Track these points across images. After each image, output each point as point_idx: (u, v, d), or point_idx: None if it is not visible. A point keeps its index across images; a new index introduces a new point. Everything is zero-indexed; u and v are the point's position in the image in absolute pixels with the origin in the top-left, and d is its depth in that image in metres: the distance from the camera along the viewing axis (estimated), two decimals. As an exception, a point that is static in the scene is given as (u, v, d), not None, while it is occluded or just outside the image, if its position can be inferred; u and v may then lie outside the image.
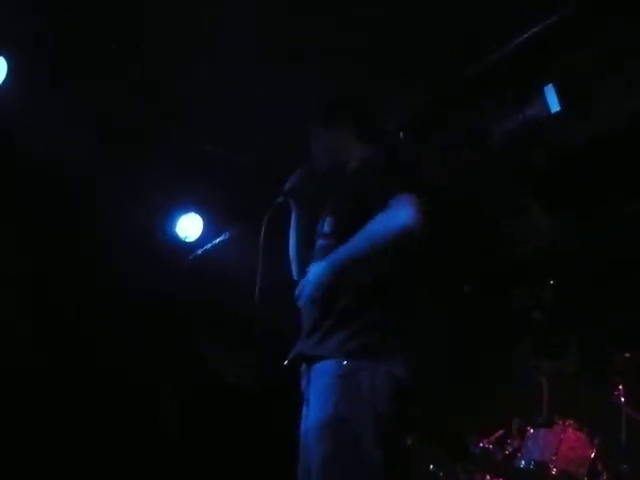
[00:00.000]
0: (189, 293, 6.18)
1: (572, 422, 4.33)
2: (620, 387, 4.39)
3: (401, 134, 4.76)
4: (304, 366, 2.89)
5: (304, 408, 2.88)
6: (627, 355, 4.44)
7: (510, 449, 4.44)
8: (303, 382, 2.89)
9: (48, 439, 5.61)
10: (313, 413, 2.71)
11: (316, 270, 2.74)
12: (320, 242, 2.98)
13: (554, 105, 4.37)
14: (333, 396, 2.64)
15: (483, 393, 5.37)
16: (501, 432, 4.56)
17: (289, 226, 3.24)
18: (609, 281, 5.04)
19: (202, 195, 5.85)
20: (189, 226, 5.94)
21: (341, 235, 2.83)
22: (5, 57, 4.51)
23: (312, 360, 2.80)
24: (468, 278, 5.54)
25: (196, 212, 5.94)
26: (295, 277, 3.20)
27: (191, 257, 6.22)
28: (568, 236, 5.15)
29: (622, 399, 4.36)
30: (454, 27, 4.18)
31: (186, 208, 5.94)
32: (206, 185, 5.72)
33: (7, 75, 4.52)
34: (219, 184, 5.65)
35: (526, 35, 4.12)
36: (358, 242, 2.69)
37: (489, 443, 4.50)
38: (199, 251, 6.18)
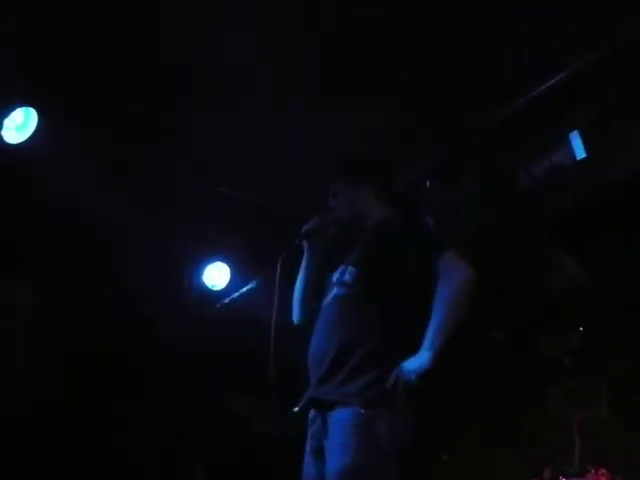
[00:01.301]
0: (216, 341, 6.18)
1: (605, 471, 4.26)
2: (654, 435, 4.34)
3: (427, 182, 4.80)
4: (313, 413, 2.90)
5: (308, 455, 2.88)
6: (659, 401, 4.40)
7: (543, 499, 4.38)
8: (312, 429, 2.89)
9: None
10: (332, 462, 2.69)
11: (421, 361, 2.67)
12: (338, 290, 3.01)
13: (580, 151, 4.39)
14: (352, 445, 2.64)
15: (514, 441, 5.30)
16: (533, 481, 4.50)
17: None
18: (638, 325, 5.00)
19: (229, 244, 5.89)
20: (216, 275, 5.97)
21: (362, 286, 2.92)
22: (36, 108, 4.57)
23: (328, 406, 2.80)
24: (498, 325, 5.51)
25: (223, 261, 5.99)
26: (295, 319, 3.25)
27: (218, 305, 6.23)
28: (596, 280, 5.12)
29: (656, 446, 4.31)
30: (480, 73, 4.23)
31: (213, 257, 5.97)
32: (233, 233, 5.77)
33: (38, 126, 4.57)
34: (246, 232, 5.70)
35: (552, 81, 4.15)
36: (444, 321, 2.71)
37: (522, 493, 4.44)
38: (226, 300, 6.20)
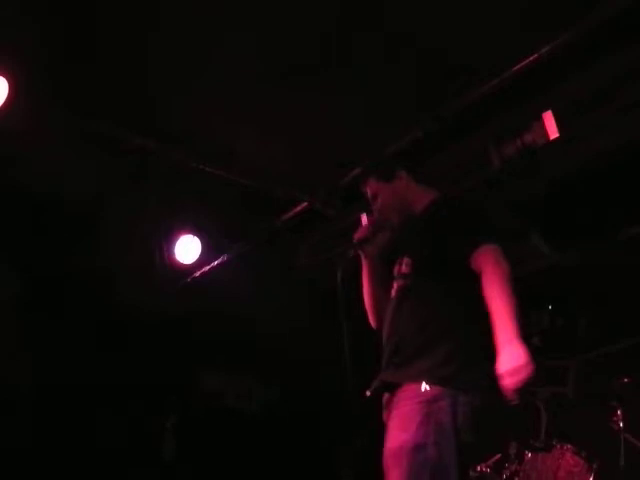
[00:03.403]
0: (187, 315, 6.17)
1: (570, 447, 4.32)
2: (619, 412, 4.39)
3: None
4: (387, 396, 2.95)
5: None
6: (625, 380, 4.45)
7: (507, 473, 4.42)
8: (385, 413, 2.93)
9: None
10: (392, 437, 2.74)
11: (518, 354, 2.57)
12: (398, 283, 3.08)
13: (552, 132, 4.41)
14: (414, 421, 2.69)
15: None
16: (498, 456, 4.55)
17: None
18: (607, 305, 5.05)
19: (200, 218, 5.86)
20: (187, 249, 5.94)
21: (419, 274, 2.98)
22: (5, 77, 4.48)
23: (394, 387, 2.86)
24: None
25: (194, 235, 5.96)
26: (373, 325, 3.33)
27: (189, 280, 6.21)
28: (566, 260, 5.17)
29: (621, 424, 4.35)
30: (453, 54, 4.22)
31: (184, 231, 5.94)
32: (204, 208, 5.74)
33: (8, 95, 4.48)
34: (217, 207, 5.68)
35: (525, 62, 4.16)
36: (508, 310, 2.66)
37: (486, 467, 4.49)
38: (197, 273, 6.18)
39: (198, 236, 5.93)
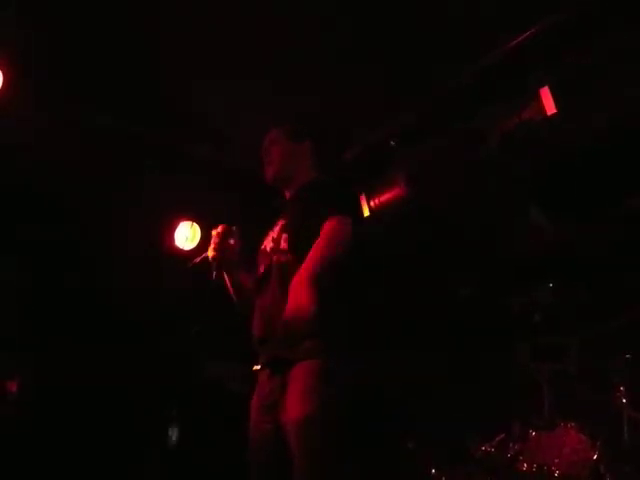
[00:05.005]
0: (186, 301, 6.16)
1: (574, 424, 4.31)
2: (622, 389, 4.37)
3: (392, 142, 4.81)
4: (267, 372, 2.96)
5: (260, 412, 2.94)
6: (628, 356, 4.43)
7: (512, 452, 4.42)
8: (268, 387, 2.93)
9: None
10: (293, 411, 2.75)
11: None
12: (277, 257, 3.05)
13: (550, 107, 4.38)
14: (315, 396, 2.73)
15: (483, 396, 5.34)
16: (502, 435, 4.54)
17: None
18: (609, 282, 5.03)
19: (201, 204, 5.85)
20: (188, 234, 5.93)
21: (297, 251, 2.94)
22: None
23: (288, 363, 2.85)
24: (467, 280, 5.53)
25: (195, 221, 5.94)
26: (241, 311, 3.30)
27: (190, 265, 6.18)
28: (567, 237, 5.14)
29: (624, 400, 4.34)
30: (450, 30, 4.19)
31: (185, 217, 5.93)
32: (205, 193, 5.73)
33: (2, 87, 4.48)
34: (219, 192, 5.67)
35: (522, 37, 4.13)
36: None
37: (491, 446, 4.49)
38: (198, 259, 6.15)
39: (198, 222, 5.93)
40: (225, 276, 3.30)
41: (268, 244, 3.15)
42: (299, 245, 2.93)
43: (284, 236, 3.06)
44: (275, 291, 2.97)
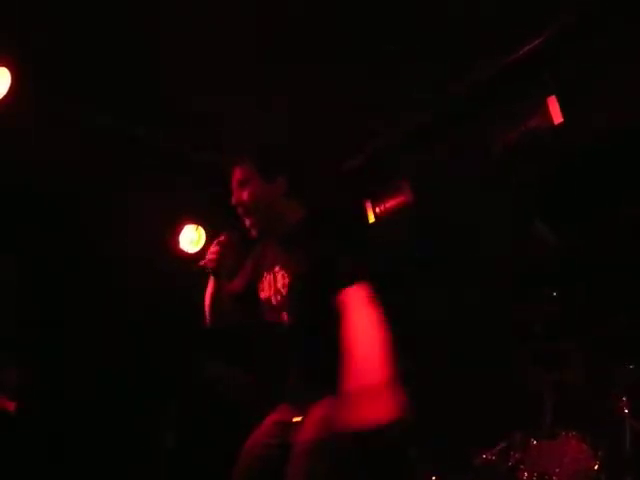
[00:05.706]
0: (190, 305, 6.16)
1: (575, 434, 4.30)
2: (624, 399, 4.36)
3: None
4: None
5: (274, 426, 2.96)
6: (631, 367, 4.42)
7: (513, 461, 4.40)
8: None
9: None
10: (308, 433, 2.74)
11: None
12: (280, 303, 3.01)
13: (557, 117, 4.38)
14: (332, 425, 2.65)
15: (483, 405, 5.33)
16: (503, 444, 4.54)
17: None
18: (611, 291, 5.01)
19: (205, 206, 5.85)
20: (193, 238, 5.92)
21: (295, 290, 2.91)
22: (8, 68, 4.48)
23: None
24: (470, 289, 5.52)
25: (199, 224, 5.94)
26: (210, 321, 3.31)
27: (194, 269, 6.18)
28: (569, 246, 5.13)
29: (626, 410, 4.33)
30: (456, 39, 4.20)
31: (189, 220, 5.93)
32: (209, 196, 5.73)
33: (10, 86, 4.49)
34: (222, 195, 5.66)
35: (529, 46, 4.13)
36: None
37: (492, 455, 4.48)
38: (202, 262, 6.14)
39: (202, 225, 5.93)
40: (211, 283, 3.30)
41: (274, 297, 3.06)
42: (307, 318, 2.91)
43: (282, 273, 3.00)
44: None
